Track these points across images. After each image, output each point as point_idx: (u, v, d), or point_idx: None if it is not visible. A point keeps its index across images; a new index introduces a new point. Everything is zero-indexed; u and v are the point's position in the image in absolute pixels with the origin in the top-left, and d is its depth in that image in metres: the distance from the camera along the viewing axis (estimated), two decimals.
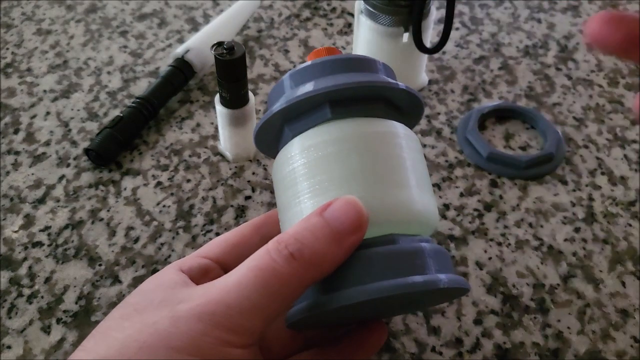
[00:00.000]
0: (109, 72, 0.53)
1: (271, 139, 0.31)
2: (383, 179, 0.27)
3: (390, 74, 0.32)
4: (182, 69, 0.50)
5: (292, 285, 0.25)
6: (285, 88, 0.30)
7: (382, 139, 0.28)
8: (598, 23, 0.20)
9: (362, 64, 0.30)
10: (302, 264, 0.25)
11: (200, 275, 0.29)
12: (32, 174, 0.45)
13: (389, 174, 0.27)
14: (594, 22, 0.20)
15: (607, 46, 0.20)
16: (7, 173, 0.45)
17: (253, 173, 0.45)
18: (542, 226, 0.42)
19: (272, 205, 0.43)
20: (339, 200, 0.26)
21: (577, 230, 0.42)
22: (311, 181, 0.27)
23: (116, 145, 0.45)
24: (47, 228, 0.41)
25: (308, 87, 0.29)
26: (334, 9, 0.60)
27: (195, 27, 0.58)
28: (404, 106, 0.31)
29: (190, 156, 0.46)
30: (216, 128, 0.48)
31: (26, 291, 0.38)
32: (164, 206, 0.43)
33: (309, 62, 0.30)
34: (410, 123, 0.32)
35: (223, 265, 0.31)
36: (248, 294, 0.24)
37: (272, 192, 0.43)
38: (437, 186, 0.44)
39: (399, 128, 0.29)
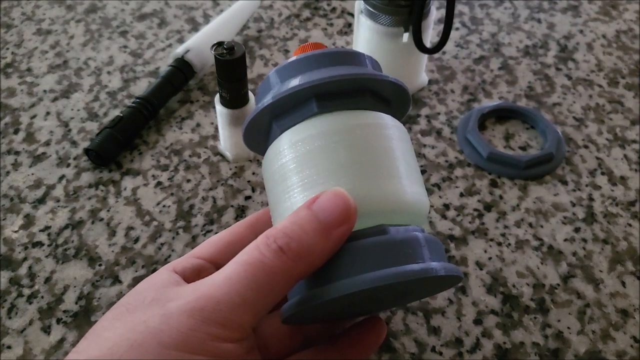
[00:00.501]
0: (109, 72, 0.53)
1: (260, 136, 0.31)
2: (371, 170, 0.27)
3: (376, 66, 0.32)
4: (182, 69, 0.50)
5: (282, 279, 0.25)
6: (271, 84, 0.30)
7: (369, 130, 0.28)
8: None
9: (348, 57, 0.30)
10: (291, 257, 0.25)
11: (194, 276, 0.29)
12: (32, 174, 0.45)
13: (376, 165, 0.27)
14: None
15: None
16: (7, 173, 0.45)
17: (253, 173, 0.45)
18: (542, 226, 0.42)
19: None
20: (326, 192, 0.26)
21: (577, 230, 0.42)
22: (300, 175, 0.27)
23: (116, 145, 0.45)
24: (47, 228, 0.41)
25: (294, 82, 0.29)
26: (334, 9, 0.60)
27: (195, 27, 0.58)
28: (391, 98, 0.31)
29: (190, 156, 0.46)
30: (216, 128, 0.48)
31: (26, 291, 0.38)
32: (164, 206, 0.43)
33: (294, 57, 0.30)
34: (399, 115, 0.32)
35: (217, 264, 0.31)
36: (238, 289, 0.24)
37: None
38: (437, 186, 0.44)
39: (386, 119, 0.29)
